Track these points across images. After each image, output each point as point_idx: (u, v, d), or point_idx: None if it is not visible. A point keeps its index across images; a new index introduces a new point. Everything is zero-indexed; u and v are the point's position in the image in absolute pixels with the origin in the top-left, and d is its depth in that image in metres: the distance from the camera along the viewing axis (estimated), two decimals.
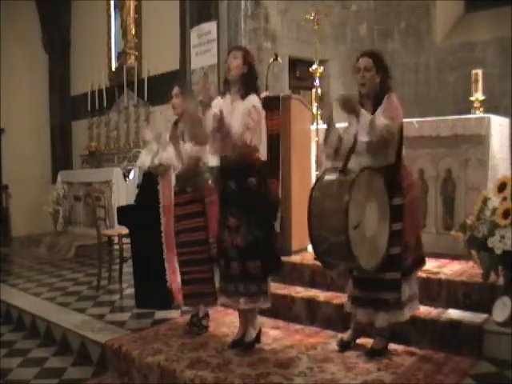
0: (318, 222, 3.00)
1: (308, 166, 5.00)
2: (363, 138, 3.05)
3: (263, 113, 3.38)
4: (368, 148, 3.08)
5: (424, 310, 3.49)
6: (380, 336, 3.27)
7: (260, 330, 3.53)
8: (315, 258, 4.36)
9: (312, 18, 5.30)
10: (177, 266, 3.95)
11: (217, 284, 3.70)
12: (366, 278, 3.17)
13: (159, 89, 7.42)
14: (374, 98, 3.15)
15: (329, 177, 3.12)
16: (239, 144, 3.21)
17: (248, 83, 3.35)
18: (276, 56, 5.32)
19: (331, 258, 3.08)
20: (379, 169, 3.08)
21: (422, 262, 3.27)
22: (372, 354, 3.22)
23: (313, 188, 3.11)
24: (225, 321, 4.12)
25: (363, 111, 3.08)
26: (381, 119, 3.02)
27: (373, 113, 3.09)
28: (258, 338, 3.49)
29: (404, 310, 3.14)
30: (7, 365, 3.93)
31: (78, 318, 4.45)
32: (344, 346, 3.35)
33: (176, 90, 3.84)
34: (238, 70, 3.32)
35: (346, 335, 3.41)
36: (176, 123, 3.88)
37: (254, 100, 3.31)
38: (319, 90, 5.35)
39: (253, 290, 3.32)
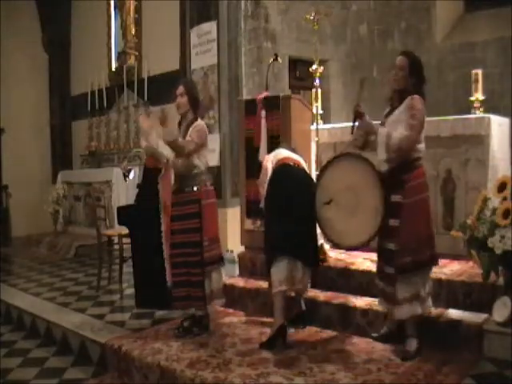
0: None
1: (308, 166, 4.99)
2: (381, 156, 3.20)
3: None
4: (389, 162, 3.21)
5: None
6: (409, 337, 3.26)
7: (279, 328, 3.51)
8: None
9: (312, 17, 5.29)
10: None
11: (207, 288, 3.72)
12: (378, 267, 3.42)
13: (159, 89, 7.43)
14: (401, 96, 3.24)
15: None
16: None
17: None
18: (276, 56, 5.31)
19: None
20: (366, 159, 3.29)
21: (417, 267, 3.23)
22: (404, 356, 3.19)
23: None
24: (225, 321, 4.12)
25: (380, 130, 3.20)
26: (399, 133, 3.12)
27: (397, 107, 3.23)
28: (275, 335, 3.49)
29: (401, 307, 3.18)
30: (7, 365, 3.94)
31: (77, 317, 4.45)
32: (379, 339, 3.46)
33: (181, 88, 3.76)
34: None
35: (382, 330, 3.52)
36: (180, 123, 3.85)
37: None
38: (319, 90, 5.34)
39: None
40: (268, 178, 3.79)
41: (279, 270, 3.54)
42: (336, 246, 3.53)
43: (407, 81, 3.22)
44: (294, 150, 4.02)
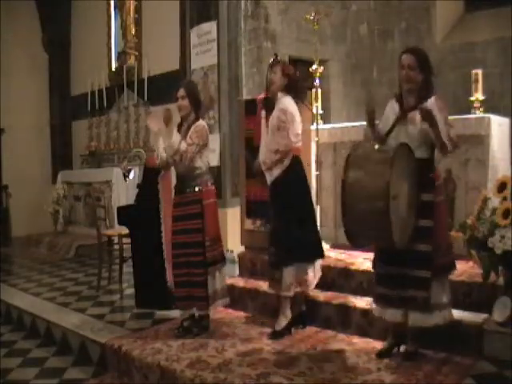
0: (353, 189, 2.98)
1: (308, 166, 4.99)
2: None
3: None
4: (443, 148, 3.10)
5: None
6: (412, 339, 3.22)
7: (292, 320, 3.72)
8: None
9: (312, 17, 5.29)
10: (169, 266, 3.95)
11: (210, 288, 3.73)
12: (394, 274, 3.12)
13: (159, 89, 7.43)
14: (417, 95, 3.19)
15: (365, 148, 3.22)
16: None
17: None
18: (276, 56, 5.31)
19: (362, 228, 3.02)
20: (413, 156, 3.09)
21: (452, 267, 3.22)
22: (407, 357, 3.16)
23: (348, 155, 3.09)
24: (225, 321, 4.12)
25: (439, 116, 3.05)
26: (446, 130, 3.03)
27: (414, 107, 3.13)
28: (287, 328, 3.68)
29: (433, 313, 3.08)
30: (7, 365, 3.94)
31: (77, 317, 4.45)
32: (382, 355, 3.25)
33: (182, 91, 3.75)
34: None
35: (384, 344, 3.33)
36: (181, 124, 3.84)
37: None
38: (319, 90, 5.34)
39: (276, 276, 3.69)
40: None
41: (289, 274, 3.62)
42: (391, 242, 3.02)
43: (419, 78, 3.19)
44: (298, 102, 3.88)
